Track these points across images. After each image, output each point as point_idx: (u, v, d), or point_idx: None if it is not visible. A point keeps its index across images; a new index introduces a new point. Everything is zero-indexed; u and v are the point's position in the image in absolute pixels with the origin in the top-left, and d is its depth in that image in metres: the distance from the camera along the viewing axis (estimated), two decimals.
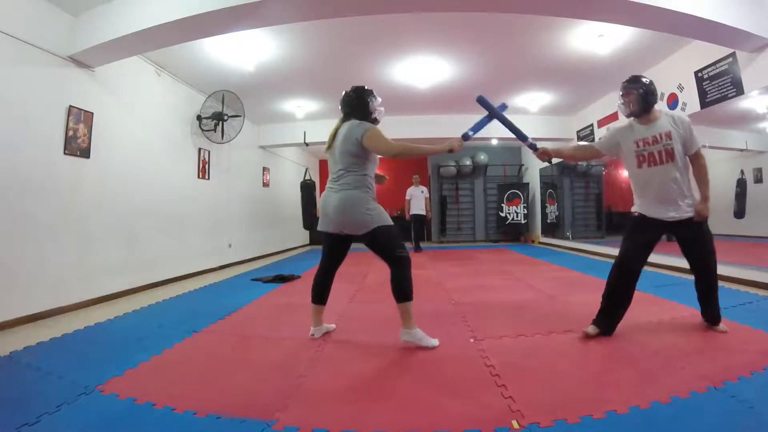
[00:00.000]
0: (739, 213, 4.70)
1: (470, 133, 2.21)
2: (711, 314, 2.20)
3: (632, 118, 2.21)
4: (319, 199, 2.30)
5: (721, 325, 2.17)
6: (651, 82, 2.15)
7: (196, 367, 1.89)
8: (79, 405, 1.49)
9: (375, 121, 2.27)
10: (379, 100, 2.29)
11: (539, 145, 2.41)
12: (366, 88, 2.28)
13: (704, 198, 2.17)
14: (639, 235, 2.21)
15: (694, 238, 2.17)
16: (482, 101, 2.33)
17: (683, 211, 2.12)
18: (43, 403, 1.50)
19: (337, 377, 1.75)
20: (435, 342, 2.08)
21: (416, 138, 7.22)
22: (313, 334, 2.28)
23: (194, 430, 1.33)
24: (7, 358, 2.03)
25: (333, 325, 2.44)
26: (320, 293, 2.30)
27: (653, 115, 2.14)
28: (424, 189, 7.46)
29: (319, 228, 2.22)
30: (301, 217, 8.68)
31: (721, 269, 3.73)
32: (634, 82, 2.15)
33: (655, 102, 2.16)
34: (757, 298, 2.97)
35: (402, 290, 2.07)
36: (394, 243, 2.11)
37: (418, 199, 7.26)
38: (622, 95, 2.19)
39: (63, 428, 1.35)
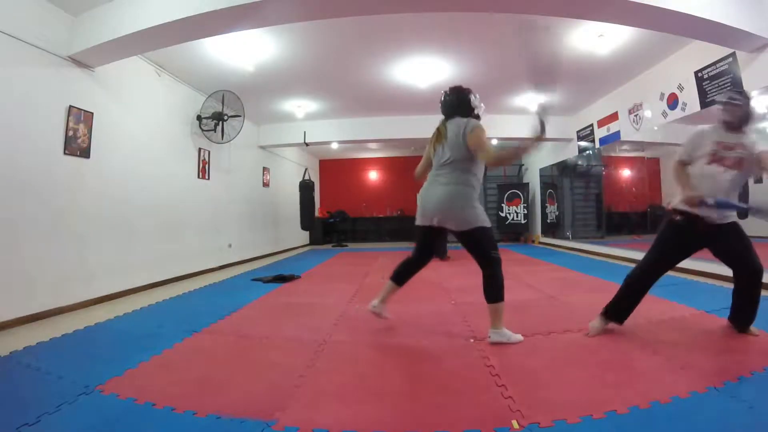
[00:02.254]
0: (743, 213, 4.71)
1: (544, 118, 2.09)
2: (747, 318, 2.10)
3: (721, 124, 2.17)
4: (418, 193, 2.29)
5: (754, 329, 2.09)
6: (754, 107, 2.16)
7: (196, 367, 1.89)
8: (79, 405, 1.49)
9: (477, 118, 2.24)
10: (478, 96, 2.27)
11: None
12: (464, 86, 2.29)
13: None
14: (673, 242, 2.15)
15: (737, 238, 2.10)
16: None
17: (725, 216, 2.09)
18: (43, 403, 1.50)
19: (337, 377, 1.75)
20: (520, 337, 2.12)
21: (416, 138, 7.27)
22: (373, 306, 2.38)
23: (194, 430, 1.33)
24: (7, 358, 2.03)
25: (389, 315, 2.46)
26: (400, 276, 2.37)
27: (743, 130, 2.14)
28: None
29: (417, 223, 2.25)
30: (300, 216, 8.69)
31: (721, 269, 3.75)
32: (745, 97, 2.15)
33: (749, 124, 2.15)
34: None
35: (495, 291, 2.09)
36: (491, 244, 2.13)
37: None
38: (728, 103, 2.15)
39: (63, 428, 1.35)
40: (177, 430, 1.33)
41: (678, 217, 2.12)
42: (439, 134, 2.21)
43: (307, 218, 7.96)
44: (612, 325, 2.35)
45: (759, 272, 2.05)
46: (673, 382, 1.57)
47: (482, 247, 2.11)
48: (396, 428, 1.32)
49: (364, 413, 1.42)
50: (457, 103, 2.23)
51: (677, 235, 2.14)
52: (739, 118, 2.12)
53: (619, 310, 2.25)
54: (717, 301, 2.84)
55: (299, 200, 7.86)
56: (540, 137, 2.03)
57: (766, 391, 1.48)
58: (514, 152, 2.10)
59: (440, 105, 2.29)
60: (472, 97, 2.25)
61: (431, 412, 1.42)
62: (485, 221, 2.12)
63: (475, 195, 2.15)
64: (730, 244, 2.10)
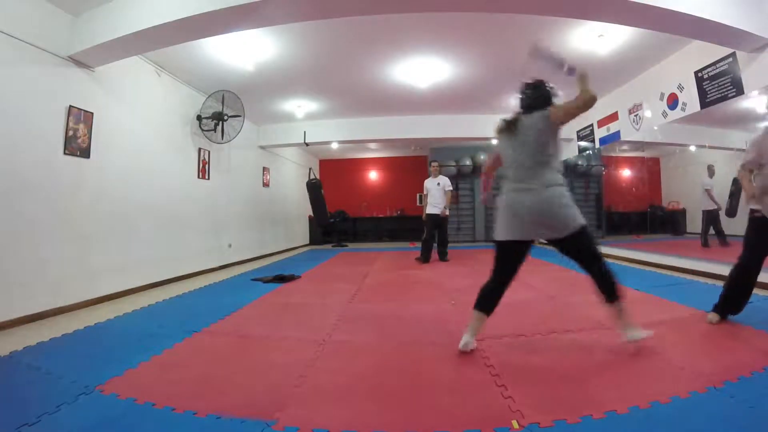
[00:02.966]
0: (731, 212, 4.73)
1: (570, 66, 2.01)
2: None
3: None
4: (503, 205, 2.02)
5: None
6: None
7: (196, 367, 1.89)
8: (79, 405, 1.49)
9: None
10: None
11: None
12: (539, 79, 2.17)
13: None
14: (761, 238, 2.24)
15: None
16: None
17: None
18: (43, 403, 1.50)
19: (337, 377, 1.75)
20: (650, 332, 1.94)
21: (416, 138, 7.27)
22: (465, 344, 1.99)
23: (194, 430, 1.33)
24: (7, 358, 2.03)
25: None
26: (485, 302, 2.02)
27: None
28: (443, 180, 5.64)
29: (501, 237, 1.99)
30: (301, 217, 8.70)
31: (721, 269, 3.77)
32: None
33: None
34: (757, 298, 2.97)
35: (614, 287, 1.91)
36: (594, 240, 1.98)
37: (434, 195, 5.59)
38: None
39: (63, 428, 1.35)
40: (177, 430, 1.33)
41: (757, 214, 2.22)
42: (509, 132, 2.06)
43: (322, 217, 7.94)
44: (612, 324, 2.35)
45: None
46: (673, 382, 1.57)
47: (589, 246, 1.94)
48: (396, 428, 1.32)
49: (364, 413, 1.42)
50: (537, 94, 2.11)
51: (759, 230, 2.23)
52: None
53: (730, 304, 2.33)
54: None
55: (310, 199, 7.85)
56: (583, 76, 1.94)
57: (766, 391, 1.47)
58: (580, 98, 1.94)
59: (520, 101, 2.15)
60: (550, 88, 2.14)
61: (431, 412, 1.42)
62: (583, 218, 1.94)
63: (567, 191, 1.95)
64: None
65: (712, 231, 5.07)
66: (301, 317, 2.80)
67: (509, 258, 2.01)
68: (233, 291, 3.90)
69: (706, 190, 5.25)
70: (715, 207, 5.06)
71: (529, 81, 2.17)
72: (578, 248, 1.95)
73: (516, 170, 2.01)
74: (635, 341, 1.90)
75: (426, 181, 5.73)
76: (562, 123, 1.98)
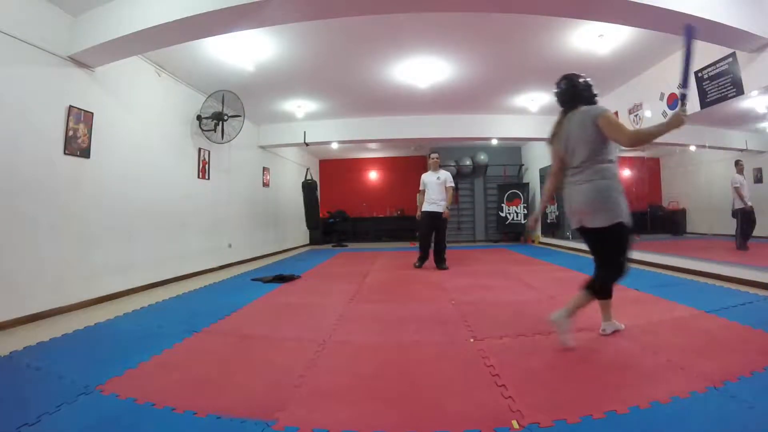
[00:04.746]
0: (736, 212, 4.71)
1: (685, 91, 1.91)
2: None
3: None
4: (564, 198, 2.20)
5: None
6: None
7: (196, 367, 1.89)
8: (79, 405, 1.49)
9: (596, 100, 2.16)
10: (686, 95, 1.95)
11: None
12: (574, 74, 2.17)
13: None
14: None
15: None
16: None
17: None
18: (43, 403, 1.50)
19: (337, 377, 1.75)
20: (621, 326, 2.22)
21: (416, 138, 7.27)
22: (603, 330, 2.19)
23: (194, 430, 1.33)
24: (7, 358, 2.03)
25: (622, 325, 2.25)
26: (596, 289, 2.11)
27: None
28: (444, 174, 4.98)
29: (575, 226, 2.15)
30: (301, 217, 8.68)
31: (721, 269, 3.77)
32: None
33: None
34: (757, 298, 2.97)
35: (601, 292, 2.08)
36: (626, 248, 2.00)
37: (433, 191, 4.92)
38: None
39: (63, 428, 1.35)
40: (177, 430, 1.33)
41: None
42: (558, 132, 2.12)
43: (312, 218, 7.94)
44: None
45: None
46: (673, 382, 1.57)
47: (618, 248, 1.99)
48: (396, 428, 1.32)
49: (364, 413, 1.42)
50: (577, 91, 2.12)
51: None
52: None
53: None
54: (717, 301, 2.84)
55: (303, 200, 7.84)
56: (680, 117, 1.83)
57: (766, 391, 1.47)
58: (657, 130, 1.88)
59: (557, 99, 2.19)
60: (589, 83, 2.14)
61: (431, 412, 1.42)
62: (627, 217, 1.96)
63: (618, 185, 1.99)
64: None
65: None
66: (301, 317, 2.80)
67: (589, 245, 2.16)
68: (233, 291, 3.90)
69: (735, 188, 4.87)
70: (749, 205, 4.74)
71: (562, 76, 2.19)
72: (602, 244, 2.05)
73: (571, 168, 2.10)
74: (613, 330, 2.16)
75: (424, 176, 5.08)
76: (609, 137, 1.97)
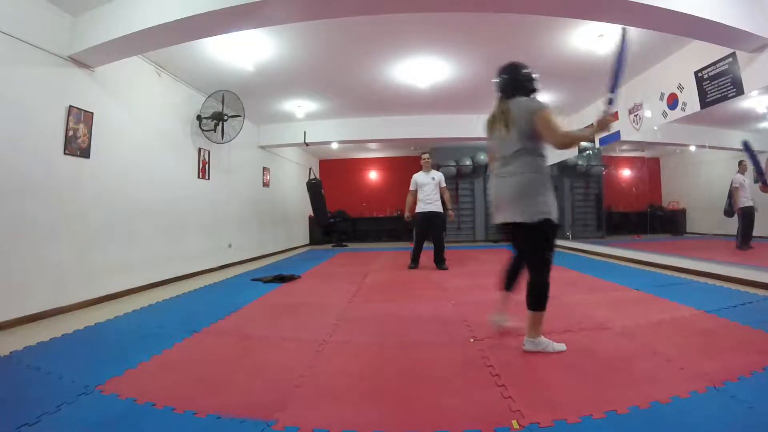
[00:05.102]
0: (730, 211, 4.70)
1: (613, 95, 1.96)
2: None
3: None
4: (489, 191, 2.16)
5: None
6: None
7: (196, 367, 1.89)
8: (79, 405, 1.49)
9: (536, 92, 2.11)
10: (612, 99, 2.00)
11: None
12: (517, 62, 2.13)
13: None
14: None
15: None
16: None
17: None
18: (43, 403, 1.50)
19: (337, 377, 1.75)
20: (563, 346, 1.97)
21: (416, 138, 7.27)
22: (494, 320, 2.24)
23: (194, 430, 1.33)
24: (7, 358, 2.03)
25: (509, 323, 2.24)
26: (505, 281, 2.24)
27: None
28: (438, 175, 4.98)
29: (494, 221, 2.13)
30: (301, 217, 8.69)
31: (721, 269, 3.77)
32: None
33: None
34: (757, 298, 2.97)
35: (534, 298, 1.95)
36: (551, 243, 1.95)
37: (427, 191, 4.86)
38: None
39: (63, 428, 1.35)
40: (177, 430, 1.33)
41: None
42: (502, 115, 2.02)
43: (322, 217, 7.92)
44: (612, 324, 2.35)
45: None
46: (673, 382, 1.57)
47: (542, 244, 1.94)
48: (396, 428, 1.32)
49: (364, 413, 1.42)
50: (516, 79, 2.07)
51: None
52: None
53: None
54: (717, 301, 2.84)
55: (310, 200, 7.83)
56: (607, 116, 1.89)
57: (766, 391, 1.48)
58: (583, 134, 1.94)
59: (497, 84, 2.13)
60: (530, 72, 2.09)
61: (431, 412, 1.42)
62: (554, 214, 1.94)
63: (546, 181, 1.96)
64: None
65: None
66: (301, 317, 2.80)
67: (511, 239, 2.13)
68: (233, 291, 3.90)
69: (734, 188, 4.74)
70: (747, 205, 4.64)
71: (505, 65, 2.16)
72: (526, 242, 2.00)
73: (499, 160, 2.06)
74: (537, 350, 1.94)
75: (417, 175, 4.98)
76: (541, 134, 1.93)
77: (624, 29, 1.95)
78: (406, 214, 5.04)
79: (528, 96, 2.04)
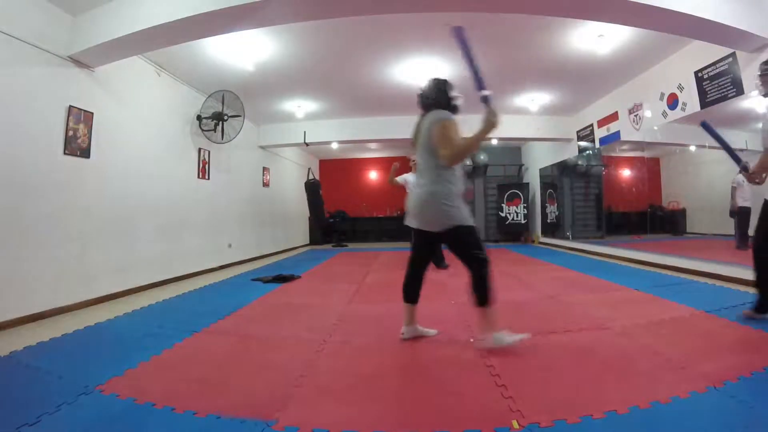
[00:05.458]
0: (733, 212, 4.69)
1: (486, 93, 1.98)
2: None
3: None
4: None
5: None
6: None
7: (196, 367, 1.89)
8: (79, 405, 1.49)
9: (455, 109, 2.17)
10: (488, 96, 2.03)
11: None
12: (440, 78, 2.22)
13: None
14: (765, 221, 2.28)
15: None
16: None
17: None
18: (43, 403, 1.50)
19: (337, 377, 1.75)
20: (518, 337, 2.00)
21: None
22: (402, 334, 2.22)
23: (194, 430, 1.33)
24: (7, 358, 2.03)
25: (433, 331, 2.27)
26: (407, 292, 2.22)
27: None
28: None
29: (405, 222, 2.18)
30: (301, 217, 8.68)
31: (721, 269, 3.77)
32: None
33: None
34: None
35: (482, 294, 1.97)
36: (476, 243, 2.00)
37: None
38: (759, 76, 2.22)
39: (63, 428, 1.35)
40: (177, 430, 1.33)
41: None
42: (415, 136, 2.15)
43: (320, 218, 7.90)
44: (612, 324, 2.35)
45: None
46: (673, 382, 1.57)
47: (466, 246, 2.00)
48: (396, 428, 1.32)
49: (364, 413, 1.42)
50: (435, 94, 2.16)
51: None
52: None
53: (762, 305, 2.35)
54: (717, 301, 2.84)
55: (308, 200, 7.82)
56: (491, 115, 1.93)
57: (766, 391, 1.47)
58: (472, 141, 1.95)
59: (419, 100, 2.22)
60: (449, 88, 2.18)
61: (431, 412, 1.42)
62: (466, 219, 2.01)
63: (451, 190, 2.01)
64: None
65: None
66: (301, 317, 2.80)
67: (415, 245, 2.20)
68: (233, 291, 3.90)
69: (733, 188, 4.66)
70: (748, 205, 4.53)
71: (428, 79, 2.23)
72: (456, 247, 2.04)
73: (417, 171, 2.14)
74: (500, 345, 1.95)
75: (407, 175, 4.95)
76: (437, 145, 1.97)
77: (454, 29, 2.03)
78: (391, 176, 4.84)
79: (444, 109, 2.10)
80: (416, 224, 2.10)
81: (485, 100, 1.95)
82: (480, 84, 1.97)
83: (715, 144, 2.48)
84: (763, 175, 2.30)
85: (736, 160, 2.42)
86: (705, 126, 2.43)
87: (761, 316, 2.35)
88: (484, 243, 2.06)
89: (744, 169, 2.39)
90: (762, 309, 2.36)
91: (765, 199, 2.31)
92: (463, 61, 1.99)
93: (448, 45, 4.07)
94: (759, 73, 2.23)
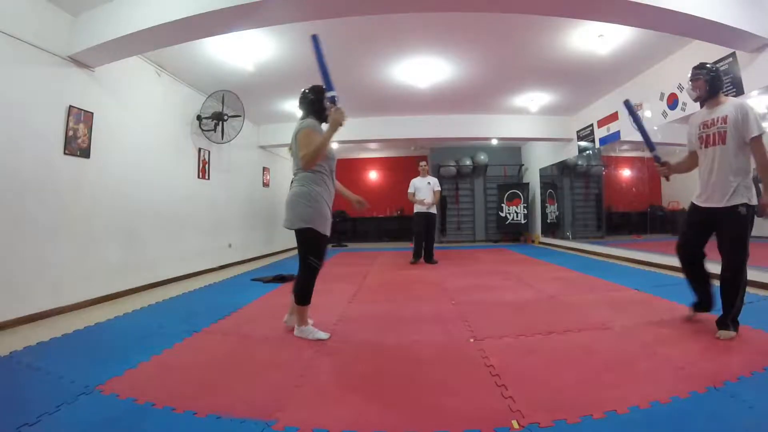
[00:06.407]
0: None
1: (333, 93, 2.16)
2: (722, 318, 2.14)
3: (700, 103, 2.27)
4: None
5: (724, 333, 2.07)
6: (717, 69, 2.21)
7: (196, 367, 1.89)
8: (79, 405, 1.49)
9: (322, 114, 2.33)
10: (334, 96, 2.17)
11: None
12: (317, 86, 2.34)
13: (765, 189, 2.11)
14: (690, 217, 2.38)
15: (723, 228, 2.20)
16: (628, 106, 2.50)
17: (723, 198, 2.12)
18: (43, 403, 1.50)
19: (337, 377, 1.75)
20: (323, 335, 2.24)
21: (416, 138, 7.27)
22: (285, 320, 2.46)
23: (194, 430, 1.33)
24: (7, 358, 2.03)
25: (325, 335, 2.29)
26: (296, 293, 2.38)
27: (718, 100, 2.17)
28: (433, 180, 5.61)
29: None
30: None
31: (719, 269, 3.75)
32: (701, 68, 2.19)
33: (721, 88, 2.20)
34: (757, 298, 2.98)
35: (300, 294, 2.24)
36: (313, 249, 2.20)
37: (423, 193, 5.52)
38: (690, 80, 2.24)
39: (63, 428, 1.35)
40: (177, 430, 1.33)
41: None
42: (292, 140, 2.30)
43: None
44: (612, 324, 2.36)
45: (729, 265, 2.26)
46: (673, 382, 1.57)
47: (306, 248, 2.20)
48: (396, 428, 1.32)
49: (364, 413, 1.42)
50: (306, 102, 2.34)
51: (693, 207, 2.41)
52: (705, 88, 2.17)
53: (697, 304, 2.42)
54: (717, 301, 2.83)
55: None
56: (337, 114, 2.13)
57: (766, 391, 1.47)
58: (323, 142, 2.14)
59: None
60: (322, 98, 2.30)
61: (431, 412, 1.42)
62: (319, 225, 2.17)
63: (311, 191, 2.18)
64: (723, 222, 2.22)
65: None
66: None
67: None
68: (233, 291, 3.90)
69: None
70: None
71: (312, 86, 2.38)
72: (298, 246, 2.24)
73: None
74: (303, 337, 2.22)
75: (415, 180, 5.65)
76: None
77: (312, 37, 2.22)
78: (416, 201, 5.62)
79: (315, 116, 2.29)
80: (285, 224, 2.26)
81: (332, 100, 2.13)
82: (328, 86, 2.15)
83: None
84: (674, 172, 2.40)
85: (651, 147, 2.43)
86: (627, 105, 2.49)
87: (695, 314, 2.43)
88: (326, 253, 2.27)
89: (656, 158, 2.42)
90: (698, 307, 2.42)
91: (692, 202, 2.35)
92: (316, 64, 2.19)
93: (448, 45, 4.09)
94: (690, 77, 2.23)
